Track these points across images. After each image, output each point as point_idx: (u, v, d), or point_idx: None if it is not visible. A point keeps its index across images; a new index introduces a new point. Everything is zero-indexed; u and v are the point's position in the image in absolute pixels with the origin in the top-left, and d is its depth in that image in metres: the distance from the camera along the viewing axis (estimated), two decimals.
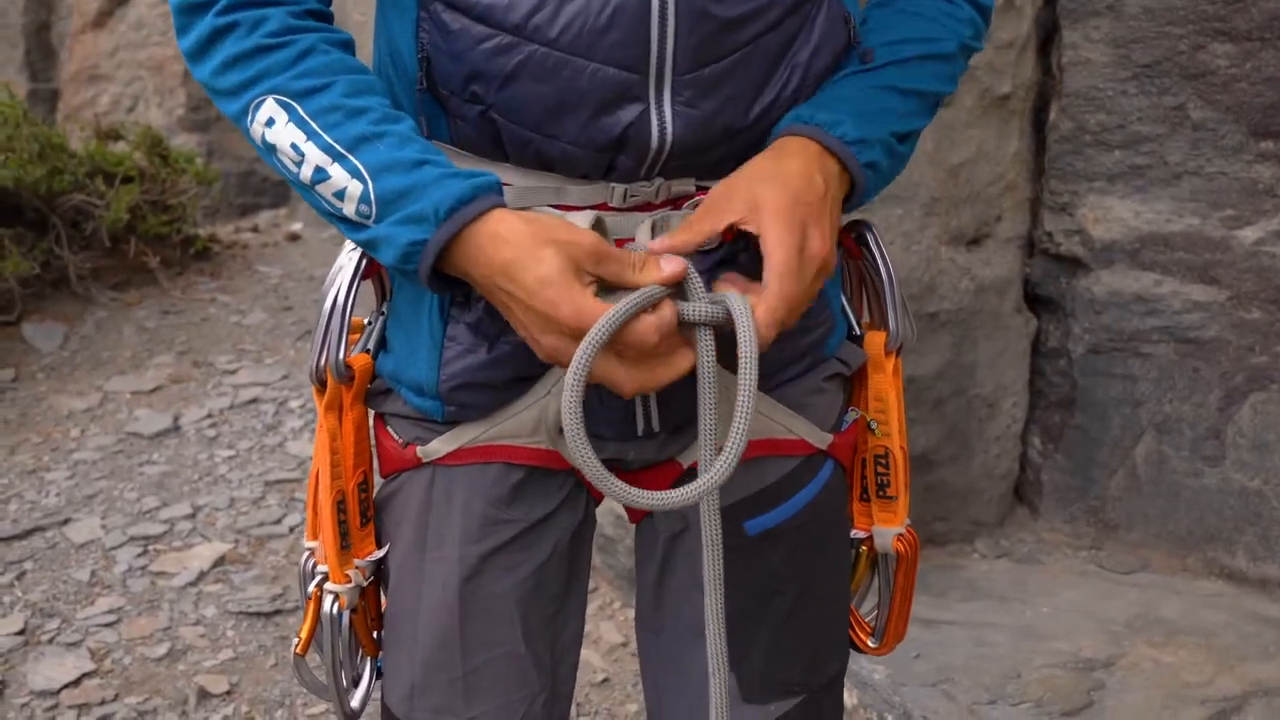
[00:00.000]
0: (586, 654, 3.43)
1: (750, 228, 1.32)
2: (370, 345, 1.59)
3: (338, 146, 1.31)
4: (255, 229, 7.90)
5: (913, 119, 1.48)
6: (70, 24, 9.58)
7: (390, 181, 1.29)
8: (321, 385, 1.55)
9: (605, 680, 3.36)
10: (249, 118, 1.35)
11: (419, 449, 1.55)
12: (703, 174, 1.43)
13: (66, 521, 4.20)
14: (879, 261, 1.66)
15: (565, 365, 1.27)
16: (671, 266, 1.28)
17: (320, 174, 1.31)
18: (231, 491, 4.41)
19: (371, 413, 1.63)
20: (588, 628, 3.51)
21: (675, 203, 1.44)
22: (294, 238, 7.59)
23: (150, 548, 4.05)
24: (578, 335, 1.25)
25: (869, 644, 1.84)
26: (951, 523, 3.72)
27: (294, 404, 5.13)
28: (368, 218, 1.30)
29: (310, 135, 1.31)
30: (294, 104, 1.32)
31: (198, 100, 8.68)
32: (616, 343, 1.27)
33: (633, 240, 1.40)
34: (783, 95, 1.41)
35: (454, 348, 1.48)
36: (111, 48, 9.18)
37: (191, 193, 6.71)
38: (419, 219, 1.28)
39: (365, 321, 1.61)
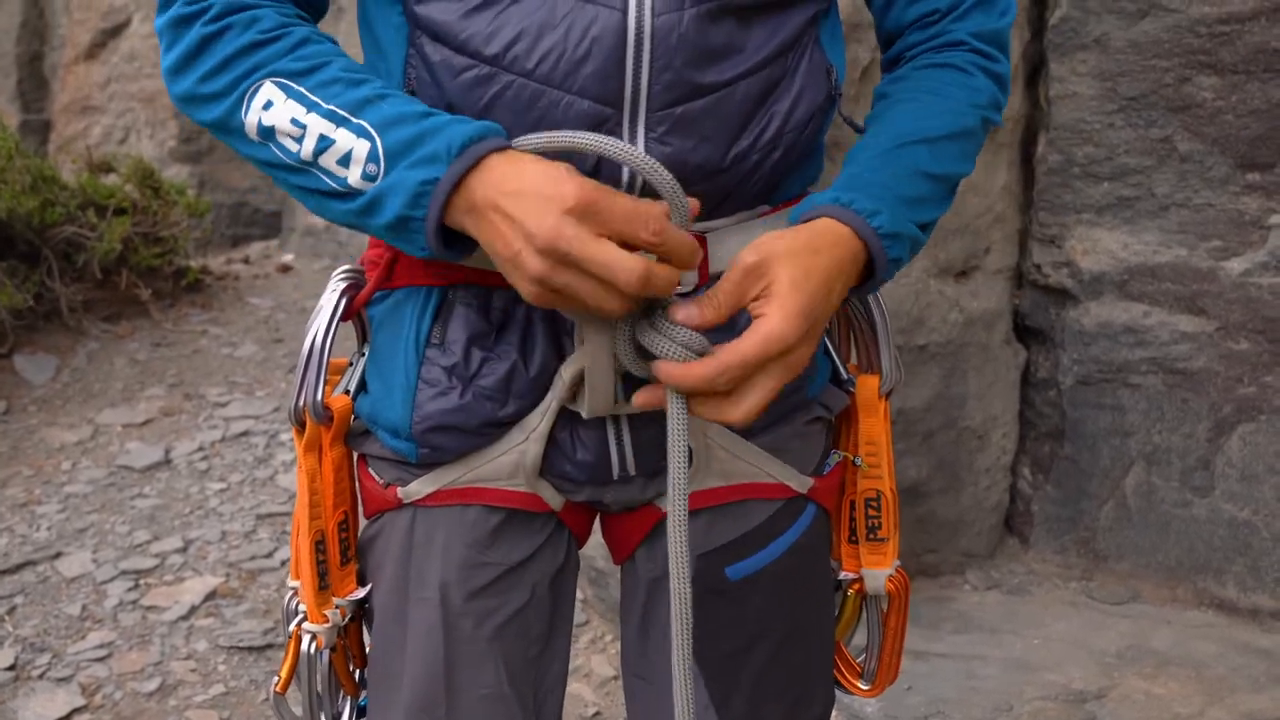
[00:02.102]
0: (578, 688, 3.43)
1: (758, 312, 1.28)
2: (351, 386, 1.59)
3: (341, 111, 1.29)
4: (246, 260, 7.91)
5: (938, 207, 1.46)
6: (63, 55, 9.62)
7: (399, 133, 1.27)
8: (301, 426, 1.55)
9: (596, 714, 3.36)
10: (244, 107, 1.33)
11: (400, 490, 1.55)
12: None
13: (57, 555, 4.19)
14: (871, 305, 1.66)
15: (562, 249, 1.21)
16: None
17: (324, 142, 1.29)
18: (223, 525, 4.40)
19: (356, 454, 1.63)
20: (580, 661, 3.51)
21: None
22: (285, 269, 7.60)
23: (141, 581, 4.04)
24: (582, 213, 1.20)
25: (859, 686, 1.81)
26: (942, 554, 3.72)
27: (285, 437, 5.12)
28: (374, 178, 1.28)
29: (311, 107, 1.30)
30: (292, 83, 1.32)
31: (189, 132, 8.70)
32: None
33: None
34: (760, 141, 1.41)
35: (428, 390, 1.48)
36: (104, 79, 9.21)
37: (183, 224, 6.73)
38: (430, 159, 1.25)
39: (349, 362, 1.61)
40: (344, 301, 1.54)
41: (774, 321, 1.25)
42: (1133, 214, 3.53)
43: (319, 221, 7.78)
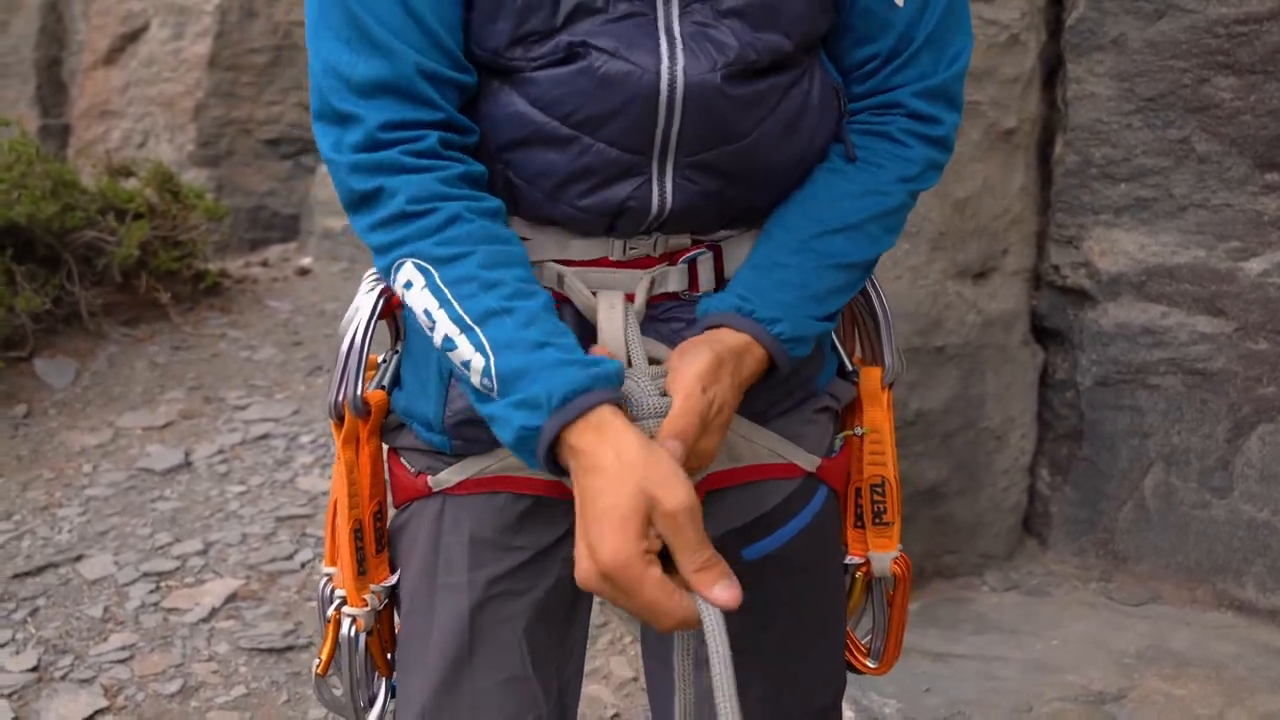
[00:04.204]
0: (597, 689, 3.43)
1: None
2: (385, 382, 1.65)
3: (467, 318, 1.33)
4: (265, 264, 7.94)
5: (850, 291, 1.54)
6: (81, 60, 9.65)
7: (511, 360, 1.31)
8: (339, 420, 1.62)
9: (616, 716, 3.36)
10: (392, 277, 1.39)
11: (430, 478, 1.61)
12: (698, 230, 1.51)
13: (79, 558, 4.21)
14: (875, 300, 1.73)
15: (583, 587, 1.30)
16: (726, 596, 1.30)
17: (449, 343, 1.34)
18: (243, 527, 4.42)
19: (387, 447, 1.69)
20: (599, 663, 3.52)
21: (672, 257, 1.51)
22: (304, 272, 7.63)
23: (162, 584, 4.06)
24: (605, 576, 1.26)
25: (867, 665, 1.88)
26: (961, 556, 3.72)
27: (305, 439, 5.14)
28: (490, 391, 1.32)
29: (443, 303, 1.34)
30: (431, 270, 1.35)
31: (208, 136, 8.73)
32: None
33: (632, 298, 1.48)
34: (784, 173, 1.51)
35: (460, 386, 1.53)
36: (122, 84, 9.24)
37: (202, 228, 6.75)
38: (533, 404, 1.29)
39: (380, 359, 1.67)
40: (381, 301, 1.60)
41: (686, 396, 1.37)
42: (1150, 215, 3.52)
43: (337, 224, 7.80)
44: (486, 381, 1.32)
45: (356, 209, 1.40)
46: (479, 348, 1.32)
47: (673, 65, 1.36)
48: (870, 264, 1.55)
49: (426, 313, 1.35)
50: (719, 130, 1.40)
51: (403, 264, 1.36)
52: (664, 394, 1.38)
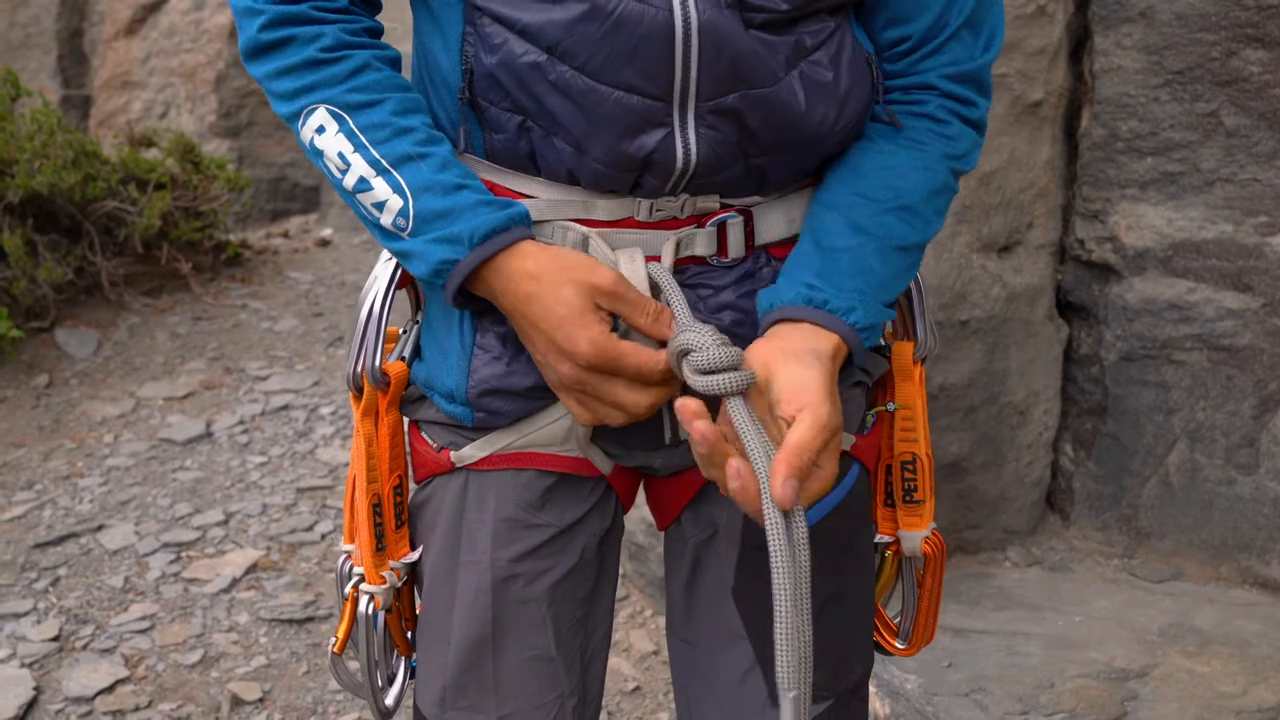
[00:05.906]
0: (618, 662, 3.44)
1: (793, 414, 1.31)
2: (405, 353, 1.63)
3: (383, 161, 1.39)
4: (286, 235, 7.94)
5: (907, 278, 1.52)
6: (103, 30, 9.65)
7: (429, 201, 1.37)
8: (358, 392, 1.60)
9: (637, 689, 3.36)
10: (300, 121, 1.43)
11: (452, 454, 1.59)
12: (726, 191, 1.48)
13: (100, 528, 4.23)
14: None
15: (578, 391, 1.40)
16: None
17: (363, 184, 1.40)
18: (263, 498, 4.43)
19: (407, 420, 1.66)
20: (619, 636, 3.52)
21: (700, 219, 1.48)
22: (324, 243, 7.63)
23: (183, 554, 4.07)
24: (592, 367, 1.36)
25: (895, 645, 1.86)
26: (983, 531, 3.71)
27: (325, 411, 5.15)
28: (403, 230, 1.39)
29: (358, 147, 1.40)
30: (345, 116, 1.41)
31: (229, 107, 8.73)
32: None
33: (658, 259, 1.46)
34: (811, 136, 1.46)
35: (483, 356, 1.52)
36: (144, 54, 9.23)
37: (223, 199, 6.76)
38: (454, 240, 1.37)
39: (401, 330, 1.65)
40: (400, 270, 1.58)
41: (820, 413, 1.29)
42: (1178, 189, 3.49)
43: None
44: (401, 221, 1.39)
45: (261, 55, 1.45)
46: (397, 189, 1.38)
47: (684, 1, 1.34)
48: (923, 247, 1.52)
49: (341, 155, 1.40)
50: (735, 69, 1.37)
51: (315, 110, 1.41)
52: (728, 344, 1.32)
